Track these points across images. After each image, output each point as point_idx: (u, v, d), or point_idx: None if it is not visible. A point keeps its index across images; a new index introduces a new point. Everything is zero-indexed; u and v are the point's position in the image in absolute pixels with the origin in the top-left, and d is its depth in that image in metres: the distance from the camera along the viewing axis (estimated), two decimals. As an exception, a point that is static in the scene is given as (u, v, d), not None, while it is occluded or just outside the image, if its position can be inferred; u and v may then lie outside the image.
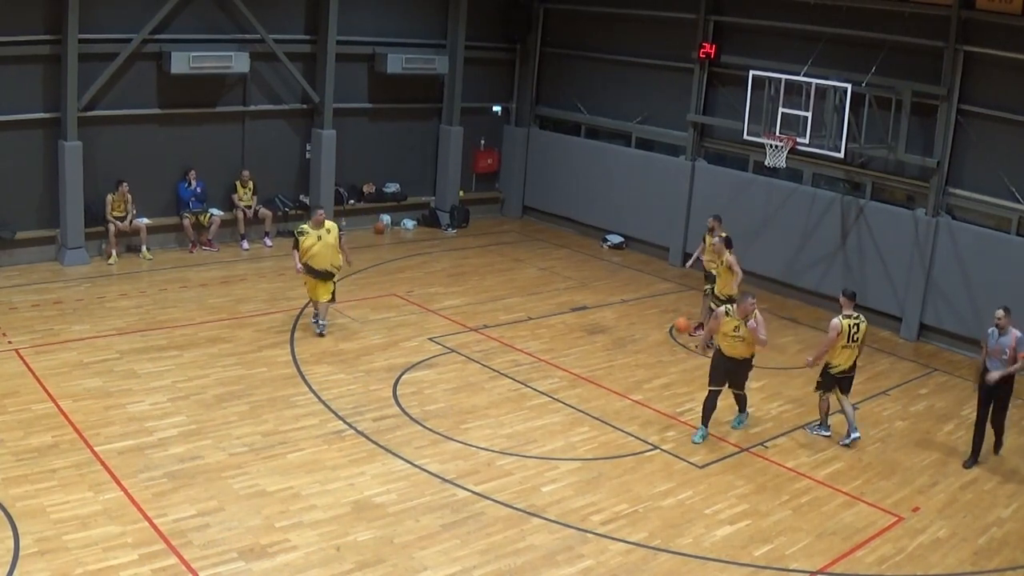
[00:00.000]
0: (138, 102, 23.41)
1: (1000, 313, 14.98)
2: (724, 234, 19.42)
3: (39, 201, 22.48)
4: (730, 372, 15.63)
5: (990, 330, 15.15)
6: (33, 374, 16.34)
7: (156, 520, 12.15)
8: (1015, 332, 14.87)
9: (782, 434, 16.12)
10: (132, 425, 14.76)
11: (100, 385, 16.12)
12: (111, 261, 22.80)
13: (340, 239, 18.81)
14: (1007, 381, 15.11)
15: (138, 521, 12.13)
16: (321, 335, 18.78)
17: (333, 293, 18.91)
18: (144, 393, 15.93)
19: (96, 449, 13.91)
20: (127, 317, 19.36)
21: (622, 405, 16.76)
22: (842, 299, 15.83)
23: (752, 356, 15.66)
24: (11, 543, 11.45)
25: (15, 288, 20.62)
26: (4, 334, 18.09)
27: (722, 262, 19.14)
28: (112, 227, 22.79)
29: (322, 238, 18.47)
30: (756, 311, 15.31)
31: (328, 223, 18.80)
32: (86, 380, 16.27)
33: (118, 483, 13.04)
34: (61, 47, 21.64)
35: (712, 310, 18.27)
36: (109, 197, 22.76)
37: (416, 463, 14.14)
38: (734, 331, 15.28)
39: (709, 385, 15.68)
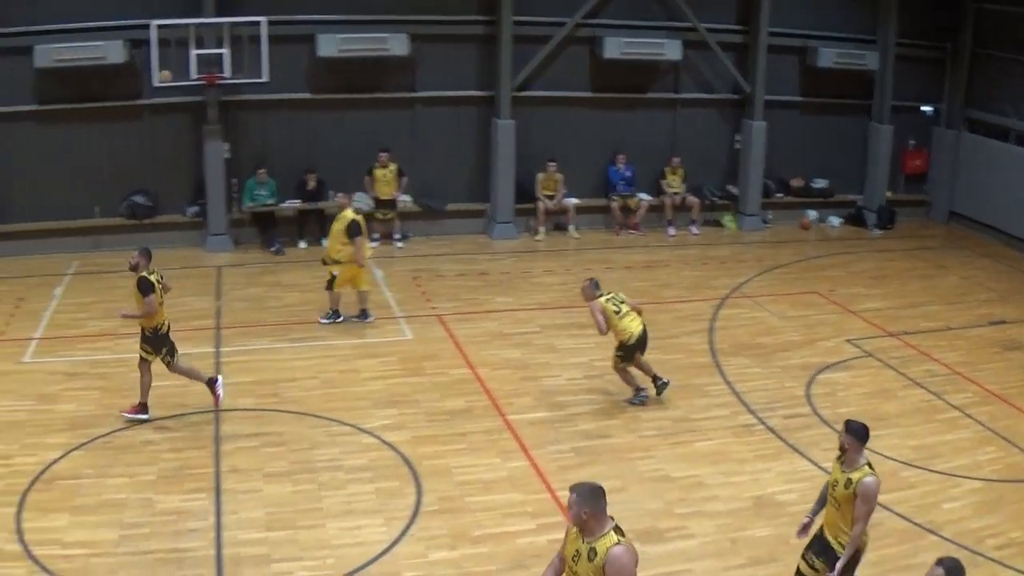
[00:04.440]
0: (571, 85, 23.75)
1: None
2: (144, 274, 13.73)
3: (471, 175, 23.46)
4: None
5: None
6: (454, 340, 16.81)
7: (558, 492, 12.05)
8: None
9: None
10: (545, 398, 14.85)
11: (518, 357, 16.32)
12: (538, 238, 23.22)
13: (349, 233, 17.14)
14: None
15: (540, 492, 12.14)
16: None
17: (329, 282, 17.60)
18: (560, 368, 15.99)
19: (508, 418, 14.09)
20: (550, 293, 19.59)
21: (1033, 428, 15.22)
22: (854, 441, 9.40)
23: None
24: (413, 499, 11.76)
25: (443, 257, 21.48)
26: (429, 300, 18.79)
27: None
28: (541, 205, 23.23)
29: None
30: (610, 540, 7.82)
31: (344, 213, 17.44)
32: (505, 351, 16.51)
33: (526, 453, 13.12)
34: (496, 28, 22.36)
35: None
36: (539, 176, 23.21)
37: (822, 465, 13.30)
38: (573, 559, 7.87)
39: None
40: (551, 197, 23.36)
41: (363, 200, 22.07)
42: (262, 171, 21.64)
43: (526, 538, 11.04)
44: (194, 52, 20.21)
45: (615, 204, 23.98)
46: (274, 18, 20.69)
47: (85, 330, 17.28)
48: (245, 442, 13.25)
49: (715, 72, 24.84)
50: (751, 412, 14.86)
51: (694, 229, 24.61)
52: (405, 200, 22.63)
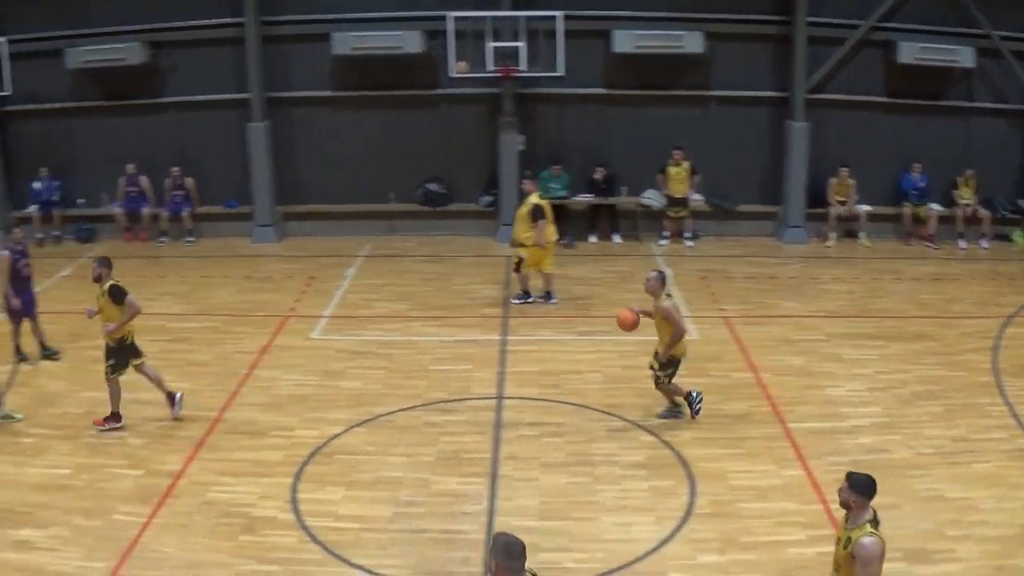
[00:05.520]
0: (863, 88, 23.24)
1: None
2: None
3: (762, 177, 23.27)
4: None
5: None
6: (738, 343, 16.69)
7: (832, 505, 11.70)
8: None
9: None
10: (827, 408, 14.54)
11: (802, 364, 16.03)
12: (829, 244, 22.84)
13: (532, 217, 18.11)
14: None
15: (814, 503, 11.88)
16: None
17: (517, 264, 18.55)
18: (844, 379, 15.59)
19: (788, 425, 13.85)
20: (838, 300, 19.22)
21: None
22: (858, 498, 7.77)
23: None
24: (686, 499, 11.71)
25: (733, 258, 21.43)
26: (716, 301, 18.79)
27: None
28: (833, 210, 22.80)
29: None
30: None
31: (529, 198, 18.48)
32: (789, 357, 16.26)
33: (803, 462, 12.87)
34: (790, 28, 22.17)
35: None
36: (831, 181, 22.79)
37: (1097, 497, 12.67)
38: None
39: None
40: (843, 203, 22.88)
41: (655, 197, 22.27)
42: (558, 167, 22.15)
43: (796, 548, 10.86)
44: (491, 45, 20.81)
45: (906, 213, 23.30)
46: (570, 13, 21.06)
47: (374, 310, 18.04)
48: (525, 431, 13.55)
49: (1009, 81, 23.75)
50: (1030, 436, 14.22)
51: (984, 243, 23.51)
52: (697, 199, 22.67)
